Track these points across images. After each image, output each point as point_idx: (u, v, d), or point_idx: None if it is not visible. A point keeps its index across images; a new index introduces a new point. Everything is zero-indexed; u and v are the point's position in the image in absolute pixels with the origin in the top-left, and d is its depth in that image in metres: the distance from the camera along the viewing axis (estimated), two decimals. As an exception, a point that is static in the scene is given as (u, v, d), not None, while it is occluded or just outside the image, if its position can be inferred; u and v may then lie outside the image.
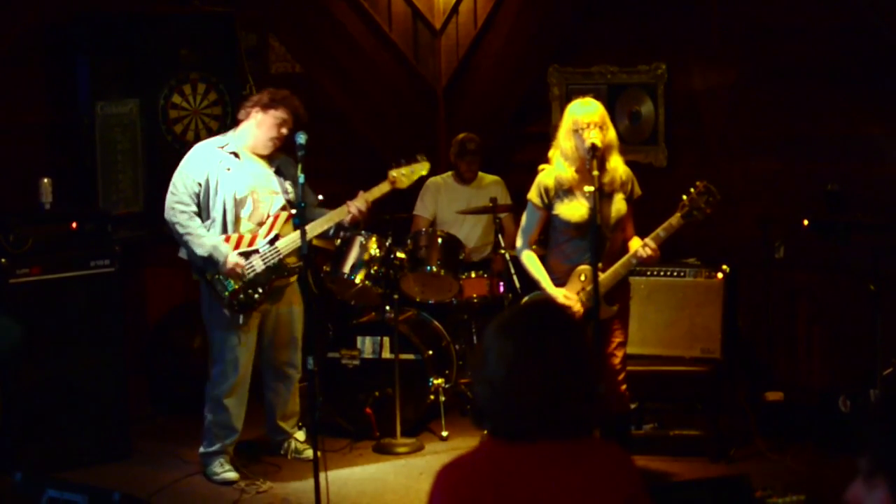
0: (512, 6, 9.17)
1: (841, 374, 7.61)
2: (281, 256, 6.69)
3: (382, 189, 6.91)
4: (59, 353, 6.99)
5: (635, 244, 6.17)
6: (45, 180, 7.18)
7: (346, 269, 7.62)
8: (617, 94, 8.59)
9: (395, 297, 7.42)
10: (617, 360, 6.24)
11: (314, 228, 6.70)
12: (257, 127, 6.68)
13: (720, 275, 7.39)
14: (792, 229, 7.53)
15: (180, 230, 6.61)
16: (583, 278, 6.13)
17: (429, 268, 7.67)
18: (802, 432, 7.15)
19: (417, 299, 7.92)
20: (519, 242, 6.39)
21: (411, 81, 9.52)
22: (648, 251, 6.05)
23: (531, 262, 6.32)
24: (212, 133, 7.99)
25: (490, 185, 8.48)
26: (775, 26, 7.95)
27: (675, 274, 7.46)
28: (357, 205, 6.77)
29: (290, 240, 6.70)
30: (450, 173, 8.60)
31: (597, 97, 6.31)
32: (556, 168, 6.20)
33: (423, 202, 8.57)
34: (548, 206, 6.22)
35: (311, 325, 6.62)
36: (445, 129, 9.41)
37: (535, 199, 6.26)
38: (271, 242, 6.67)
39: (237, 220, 6.67)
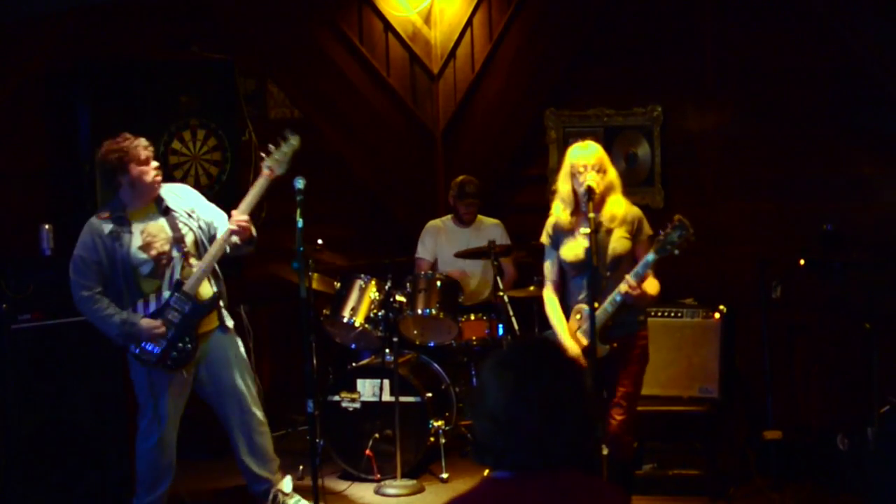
0: (509, 51, 9.26)
1: (839, 412, 7.61)
2: (193, 298, 6.43)
3: (261, 185, 6.45)
4: (59, 398, 7.01)
5: (650, 284, 6.15)
6: (46, 226, 7.23)
7: (346, 312, 7.66)
8: (613, 137, 8.65)
9: (395, 339, 7.44)
10: (620, 411, 6.19)
11: (214, 256, 6.47)
12: (130, 185, 6.39)
13: (717, 315, 7.43)
14: (788, 269, 7.56)
15: (94, 314, 6.38)
16: (578, 317, 6.20)
17: (428, 311, 7.70)
18: (801, 470, 7.16)
19: (417, 342, 7.95)
20: (545, 280, 6.48)
21: (409, 125, 9.60)
22: (626, 287, 6.01)
23: (550, 304, 6.38)
24: (211, 179, 8.07)
25: (489, 227, 8.52)
26: (769, 68, 8.02)
27: (673, 314, 7.51)
28: (237, 219, 6.43)
29: (194, 278, 6.43)
30: (449, 216, 8.65)
31: (594, 139, 6.37)
32: (555, 212, 6.30)
33: (424, 245, 8.62)
34: (555, 247, 6.32)
35: (310, 367, 6.54)
36: (444, 172, 9.49)
37: (545, 239, 6.39)
38: (177, 289, 6.40)
39: (139, 281, 6.42)
